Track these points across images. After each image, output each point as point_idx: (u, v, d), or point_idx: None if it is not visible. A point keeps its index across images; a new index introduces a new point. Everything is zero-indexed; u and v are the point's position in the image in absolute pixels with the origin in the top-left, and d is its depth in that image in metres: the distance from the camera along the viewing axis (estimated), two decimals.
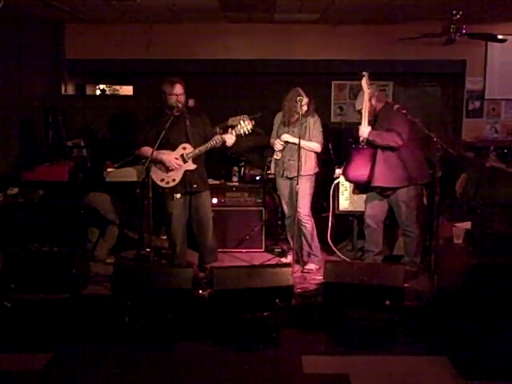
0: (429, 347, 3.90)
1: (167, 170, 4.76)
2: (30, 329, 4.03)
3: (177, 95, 4.69)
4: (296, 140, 4.93)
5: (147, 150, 4.68)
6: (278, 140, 5.14)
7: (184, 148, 4.75)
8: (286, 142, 5.10)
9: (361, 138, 4.71)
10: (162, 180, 4.77)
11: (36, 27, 6.58)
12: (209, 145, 4.72)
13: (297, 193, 4.81)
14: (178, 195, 4.81)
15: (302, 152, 4.94)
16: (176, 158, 4.72)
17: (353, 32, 7.10)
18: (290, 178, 5.11)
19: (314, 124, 5.08)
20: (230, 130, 4.79)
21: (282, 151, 5.15)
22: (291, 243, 5.27)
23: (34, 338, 3.97)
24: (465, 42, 6.50)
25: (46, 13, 6.31)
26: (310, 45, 7.21)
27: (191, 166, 4.78)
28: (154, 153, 4.61)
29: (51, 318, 4.12)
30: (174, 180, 4.77)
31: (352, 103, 7.62)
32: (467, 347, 3.69)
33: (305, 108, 5.03)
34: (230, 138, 4.75)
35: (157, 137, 4.58)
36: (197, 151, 4.73)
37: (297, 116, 4.99)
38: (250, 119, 4.83)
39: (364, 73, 4.56)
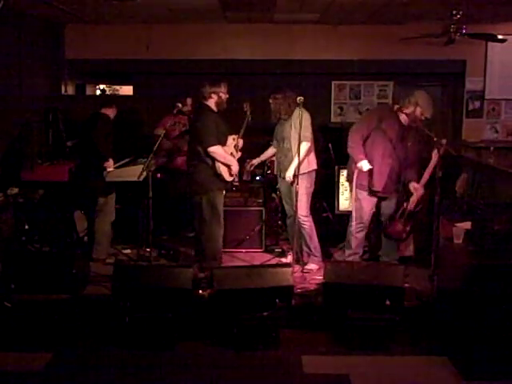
0: (429, 347, 3.90)
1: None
2: (30, 329, 4.03)
3: (227, 93, 4.91)
4: (291, 172, 4.96)
5: (222, 149, 4.83)
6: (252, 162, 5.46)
7: (234, 139, 5.00)
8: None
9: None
10: (231, 175, 4.96)
11: (36, 27, 6.58)
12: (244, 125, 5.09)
13: (297, 193, 4.80)
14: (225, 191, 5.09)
15: (294, 152, 4.91)
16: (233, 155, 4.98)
17: (353, 32, 7.11)
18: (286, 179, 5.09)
19: (297, 120, 4.82)
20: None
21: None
22: (292, 243, 5.27)
23: (34, 337, 3.97)
24: (465, 42, 6.50)
25: (46, 13, 6.32)
26: (310, 45, 7.21)
27: (239, 153, 5.09)
28: (224, 153, 4.84)
29: (51, 318, 4.12)
30: (235, 169, 5.02)
31: (352, 103, 7.68)
32: (467, 347, 3.69)
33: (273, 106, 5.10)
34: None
35: (221, 136, 4.83)
36: (242, 131, 5.06)
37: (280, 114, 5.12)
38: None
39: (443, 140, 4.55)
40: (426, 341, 3.98)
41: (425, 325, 4.12)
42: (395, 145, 4.77)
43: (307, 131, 4.96)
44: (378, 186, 4.79)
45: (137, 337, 3.90)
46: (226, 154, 4.85)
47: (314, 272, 5.13)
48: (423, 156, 4.87)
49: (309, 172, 5.06)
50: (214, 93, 4.84)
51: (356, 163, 4.77)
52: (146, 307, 3.97)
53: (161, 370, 3.66)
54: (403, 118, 4.77)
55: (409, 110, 4.70)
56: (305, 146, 4.91)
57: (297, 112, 4.92)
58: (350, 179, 5.06)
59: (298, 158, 4.74)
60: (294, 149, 4.90)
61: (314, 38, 7.19)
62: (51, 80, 7.07)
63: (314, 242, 5.20)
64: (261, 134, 6.03)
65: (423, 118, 4.69)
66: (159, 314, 3.93)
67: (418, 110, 4.66)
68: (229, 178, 4.95)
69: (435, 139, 4.47)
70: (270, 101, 5.13)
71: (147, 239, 5.10)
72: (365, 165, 4.72)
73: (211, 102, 4.85)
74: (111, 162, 5.24)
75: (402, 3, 5.67)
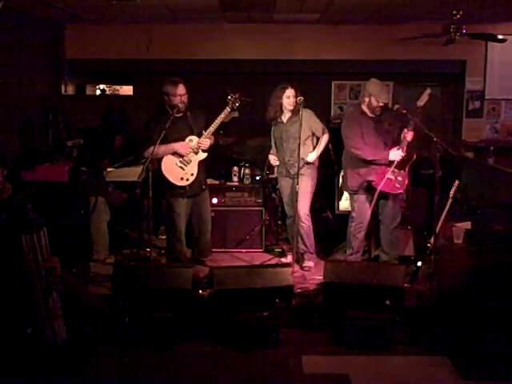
0: (429, 347, 3.90)
1: (182, 167, 4.78)
2: None
3: (180, 95, 4.72)
4: (312, 156, 5.07)
5: (158, 148, 4.65)
6: (273, 158, 5.26)
7: (190, 140, 4.79)
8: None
9: None
10: (182, 179, 4.79)
11: (36, 27, 6.57)
12: (215, 124, 4.73)
13: (297, 192, 4.81)
14: (187, 196, 4.87)
15: (302, 147, 4.95)
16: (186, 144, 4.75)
17: (353, 32, 7.10)
18: (294, 177, 5.04)
19: (310, 117, 5.02)
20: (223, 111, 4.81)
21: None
22: (292, 243, 5.27)
23: None
24: (465, 42, 6.50)
25: (46, 13, 6.31)
26: (310, 45, 7.20)
27: (203, 155, 4.83)
28: (163, 146, 4.65)
29: None
30: (192, 174, 4.80)
31: (352, 103, 7.68)
32: (467, 347, 3.69)
33: (290, 100, 5.01)
34: (227, 113, 4.79)
35: (164, 138, 4.61)
36: (206, 134, 4.75)
37: (280, 110, 5.08)
38: (235, 96, 4.82)
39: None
40: (426, 341, 3.98)
41: (425, 325, 4.12)
42: (378, 140, 4.83)
43: (322, 124, 5.15)
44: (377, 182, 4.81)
45: (137, 337, 3.90)
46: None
47: (312, 268, 5.15)
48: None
49: (316, 168, 5.16)
50: (164, 94, 4.73)
51: (386, 161, 4.77)
52: (146, 307, 3.97)
53: (161, 370, 3.66)
54: (367, 110, 4.86)
55: (366, 102, 4.82)
56: (327, 136, 5.13)
57: (307, 112, 5.00)
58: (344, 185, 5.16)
59: (298, 149, 4.78)
60: (303, 146, 4.96)
61: (314, 38, 7.18)
62: (51, 80, 7.06)
63: (311, 240, 5.26)
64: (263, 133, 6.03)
65: (380, 104, 4.75)
66: (159, 314, 3.93)
67: (373, 99, 4.77)
68: (179, 183, 4.78)
69: (435, 139, 4.48)
70: (288, 93, 5.03)
71: (147, 239, 5.11)
72: (394, 154, 4.73)
73: (166, 103, 4.76)
74: (106, 162, 5.26)
75: (402, 3, 5.67)
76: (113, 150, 5.49)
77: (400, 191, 4.82)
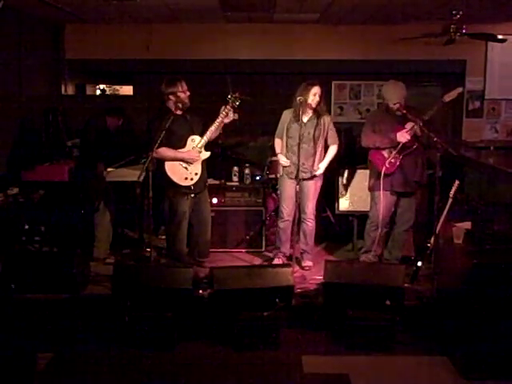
0: (429, 347, 3.90)
1: (186, 167, 4.76)
2: (31, 329, 4.03)
3: (187, 90, 4.76)
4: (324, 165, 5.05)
5: (166, 151, 4.68)
6: (284, 160, 5.06)
7: (193, 140, 4.78)
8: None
9: None
10: (186, 178, 4.77)
11: (36, 27, 6.58)
12: (216, 123, 4.71)
13: (297, 192, 4.80)
14: (193, 194, 4.85)
15: (318, 152, 4.98)
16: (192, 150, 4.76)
17: (353, 32, 7.10)
18: (304, 179, 5.00)
19: (329, 124, 5.05)
20: (222, 108, 4.74)
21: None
22: (287, 245, 5.25)
23: (35, 337, 3.96)
24: (465, 42, 6.51)
25: (46, 13, 6.31)
26: (310, 45, 7.21)
27: (206, 154, 4.81)
28: (171, 152, 4.68)
29: (51, 317, 4.11)
30: (196, 174, 4.79)
31: (352, 103, 7.68)
32: (467, 347, 3.69)
33: (317, 99, 4.90)
34: (227, 112, 4.71)
35: (167, 137, 4.60)
36: (208, 133, 4.73)
37: (308, 108, 4.93)
38: (235, 95, 4.73)
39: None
40: (426, 341, 3.98)
41: (425, 325, 4.12)
42: (391, 130, 4.84)
43: (336, 133, 5.12)
44: (391, 184, 4.87)
45: (137, 337, 3.90)
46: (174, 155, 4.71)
47: (312, 267, 5.15)
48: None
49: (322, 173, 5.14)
50: (171, 93, 4.72)
51: (393, 143, 4.80)
52: (146, 307, 3.97)
53: (161, 370, 3.66)
54: (390, 110, 4.90)
55: (387, 103, 4.92)
56: (335, 148, 5.08)
57: (328, 117, 5.05)
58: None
59: (299, 151, 4.77)
60: (319, 150, 4.98)
61: (314, 38, 7.19)
62: (51, 80, 7.07)
63: (312, 240, 5.26)
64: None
65: (396, 105, 4.79)
66: (159, 314, 3.93)
67: (389, 101, 4.86)
68: (183, 183, 4.76)
69: (435, 139, 4.48)
70: (315, 90, 4.89)
71: (147, 239, 5.10)
72: (401, 135, 4.76)
73: (170, 104, 4.75)
74: (101, 165, 5.25)
75: (402, 3, 5.67)
76: (109, 133, 5.45)
77: (386, 172, 4.83)
